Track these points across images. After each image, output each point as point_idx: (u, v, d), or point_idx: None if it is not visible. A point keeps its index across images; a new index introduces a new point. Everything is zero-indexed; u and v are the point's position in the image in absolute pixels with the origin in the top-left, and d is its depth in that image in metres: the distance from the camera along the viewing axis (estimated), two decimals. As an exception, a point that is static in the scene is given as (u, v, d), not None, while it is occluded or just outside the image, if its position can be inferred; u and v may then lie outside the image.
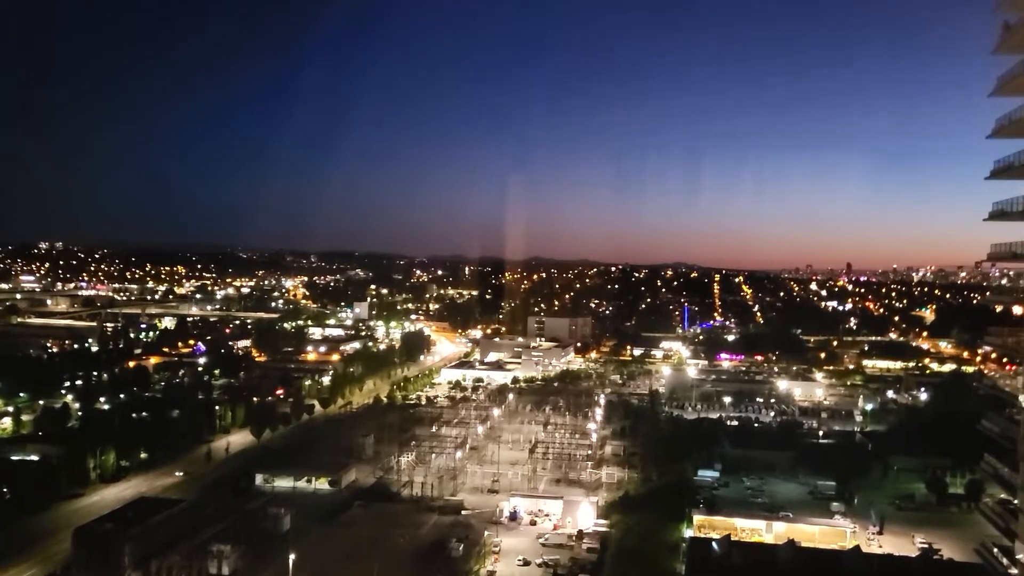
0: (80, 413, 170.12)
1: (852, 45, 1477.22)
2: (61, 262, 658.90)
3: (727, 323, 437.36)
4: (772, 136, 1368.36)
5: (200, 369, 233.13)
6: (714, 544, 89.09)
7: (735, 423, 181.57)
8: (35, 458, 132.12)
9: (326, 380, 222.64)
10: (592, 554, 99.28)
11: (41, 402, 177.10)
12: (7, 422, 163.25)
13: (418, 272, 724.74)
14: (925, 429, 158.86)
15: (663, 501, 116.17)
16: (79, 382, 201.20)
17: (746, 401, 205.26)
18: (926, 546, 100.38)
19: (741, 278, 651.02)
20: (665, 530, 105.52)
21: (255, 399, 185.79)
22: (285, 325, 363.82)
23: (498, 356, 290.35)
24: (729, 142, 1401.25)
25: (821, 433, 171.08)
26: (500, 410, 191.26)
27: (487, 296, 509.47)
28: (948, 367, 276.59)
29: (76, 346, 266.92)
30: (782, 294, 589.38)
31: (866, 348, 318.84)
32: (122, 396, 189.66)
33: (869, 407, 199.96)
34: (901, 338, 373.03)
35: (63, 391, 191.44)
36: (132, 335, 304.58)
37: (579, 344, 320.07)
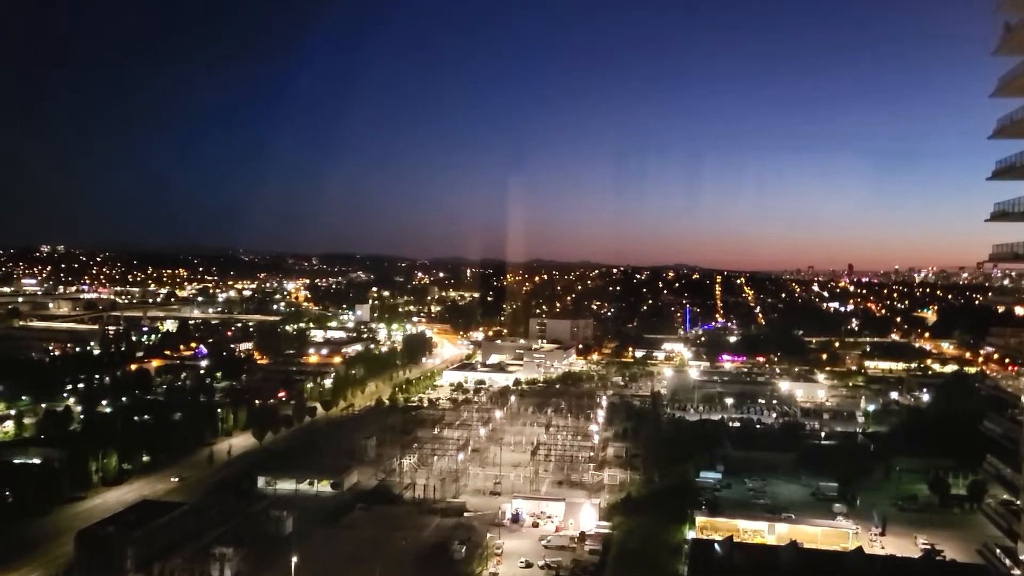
0: (82, 416, 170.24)
1: (853, 46, 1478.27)
2: (63, 265, 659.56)
3: (729, 324, 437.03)
4: (773, 137, 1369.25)
5: (202, 372, 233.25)
6: (716, 545, 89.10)
7: (737, 424, 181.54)
8: (37, 461, 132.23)
9: (328, 382, 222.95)
10: (594, 556, 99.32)
11: (43, 405, 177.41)
12: (9, 425, 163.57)
13: (420, 274, 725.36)
14: (927, 430, 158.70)
15: (665, 503, 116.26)
16: (81, 385, 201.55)
17: (748, 402, 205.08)
18: (928, 547, 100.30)
19: (743, 279, 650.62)
20: (667, 532, 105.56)
21: (257, 402, 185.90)
22: (287, 328, 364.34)
23: (500, 358, 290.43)
24: (730, 143, 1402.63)
25: (823, 434, 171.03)
26: (502, 412, 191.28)
27: (489, 298, 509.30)
28: (950, 368, 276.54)
29: (78, 349, 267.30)
30: (784, 295, 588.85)
31: (868, 349, 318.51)
32: (124, 399, 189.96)
33: (871, 408, 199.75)
34: (903, 339, 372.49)
35: (65, 394, 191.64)
36: (134, 338, 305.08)
37: (581, 346, 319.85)
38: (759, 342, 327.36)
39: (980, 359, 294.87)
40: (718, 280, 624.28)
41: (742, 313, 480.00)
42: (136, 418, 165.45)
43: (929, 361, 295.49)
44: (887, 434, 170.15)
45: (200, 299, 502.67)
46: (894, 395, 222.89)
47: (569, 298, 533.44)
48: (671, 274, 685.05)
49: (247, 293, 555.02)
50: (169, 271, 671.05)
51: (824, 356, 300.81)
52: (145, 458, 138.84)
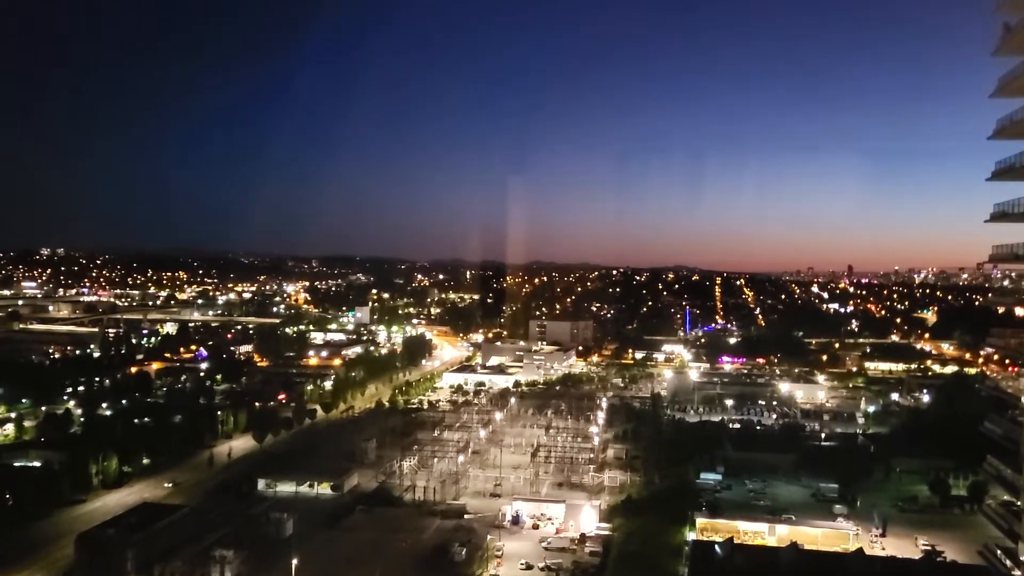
0: (82, 419, 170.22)
1: (853, 47, 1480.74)
2: (63, 268, 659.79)
3: (729, 326, 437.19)
4: (773, 138, 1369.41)
5: (202, 374, 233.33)
6: (717, 547, 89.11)
7: (737, 426, 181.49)
8: (37, 464, 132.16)
9: (328, 385, 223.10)
10: (595, 557, 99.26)
11: (43, 408, 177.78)
12: (9, 428, 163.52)
13: (419, 276, 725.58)
14: (927, 431, 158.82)
15: (665, 504, 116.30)
16: (81, 388, 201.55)
17: (748, 404, 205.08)
18: (929, 548, 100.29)
19: (742, 281, 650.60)
20: (668, 533, 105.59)
21: (257, 404, 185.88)
22: (287, 330, 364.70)
23: (500, 360, 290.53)
24: (729, 144, 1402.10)
25: (823, 435, 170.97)
26: (502, 414, 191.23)
27: (488, 300, 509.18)
28: (950, 369, 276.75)
29: (78, 352, 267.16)
30: (783, 296, 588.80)
31: (868, 350, 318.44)
32: (124, 402, 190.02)
33: (871, 409, 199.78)
34: (903, 340, 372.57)
35: (65, 397, 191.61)
36: (134, 341, 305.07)
37: (581, 347, 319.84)
38: (759, 343, 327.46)
39: (980, 360, 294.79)
40: (718, 281, 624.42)
41: (742, 314, 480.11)
42: (136, 421, 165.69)
43: (929, 362, 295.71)
44: (887, 435, 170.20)
45: (200, 302, 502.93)
46: (894, 396, 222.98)
47: (569, 300, 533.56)
48: (671, 275, 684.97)
49: (247, 295, 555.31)
50: (169, 274, 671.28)
51: (824, 357, 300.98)
52: (145, 461, 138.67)
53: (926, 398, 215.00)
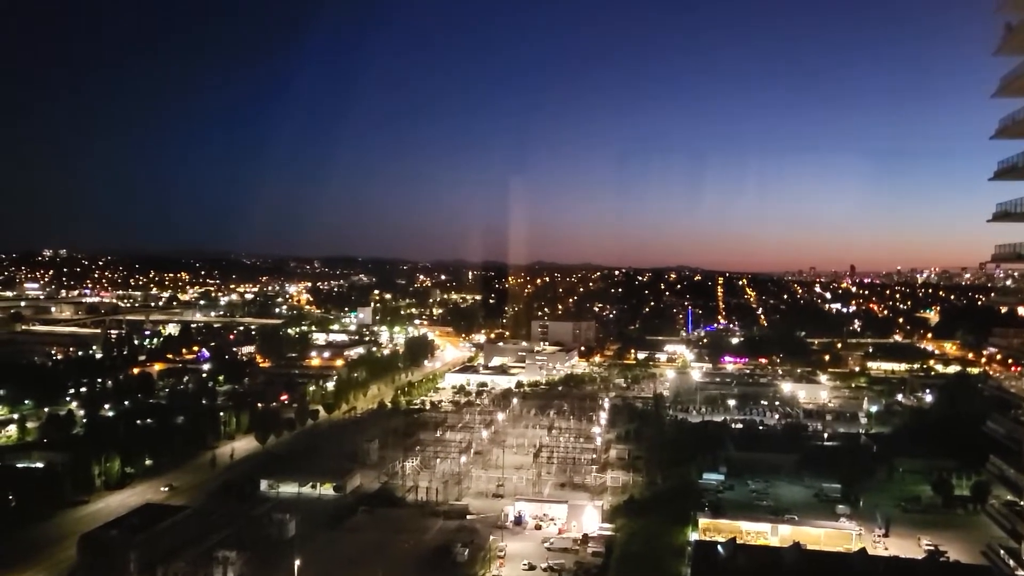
0: (85, 420, 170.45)
1: (854, 47, 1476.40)
2: (65, 269, 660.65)
3: (731, 326, 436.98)
4: (775, 138, 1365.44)
5: (204, 375, 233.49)
6: (719, 547, 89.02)
7: (740, 426, 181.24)
8: (40, 465, 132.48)
9: (330, 385, 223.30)
10: (597, 558, 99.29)
11: (46, 409, 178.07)
12: (12, 429, 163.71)
13: (421, 277, 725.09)
14: (930, 431, 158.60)
15: (668, 504, 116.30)
16: (84, 389, 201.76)
17: (750, 404, 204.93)
18: (932, 548, 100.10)
19: (744, 281, 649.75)
20: (670, 533, 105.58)
21: (259, 405, 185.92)
22: (289, 331, 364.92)
23: (502, 360, 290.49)
24: (731, 145, 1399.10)
25: (826, 435, 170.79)
26: (504, 414, 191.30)
27: (491, 300, 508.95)
28: (953, 369, 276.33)
29: (80, 353, 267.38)
30: (786, 296, 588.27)
31: (870, 350, 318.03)
32: (126, 403, 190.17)
33: (874, 409, 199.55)
34: (905, 340, 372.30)
35: (68, 398, 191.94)
36: (136, 342, 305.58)
37: (583, 348, 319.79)
38: (761, 343, 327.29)
39: (983, 360, 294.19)
40: (720, 281, 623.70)
41: (744, 314, 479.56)
42: (139, 422, 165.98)
43: (932, 362, 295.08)
44: (890, 435, 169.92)
45: (202, 303, 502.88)
46: (897, 396, 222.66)
47: (571, 300, 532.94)
48: (673, 275, 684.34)
49: (249, 296, 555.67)
50: (171, 275, 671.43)
51: (826, 357, 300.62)
52: (148, 462, 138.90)
53: (929, 398, 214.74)
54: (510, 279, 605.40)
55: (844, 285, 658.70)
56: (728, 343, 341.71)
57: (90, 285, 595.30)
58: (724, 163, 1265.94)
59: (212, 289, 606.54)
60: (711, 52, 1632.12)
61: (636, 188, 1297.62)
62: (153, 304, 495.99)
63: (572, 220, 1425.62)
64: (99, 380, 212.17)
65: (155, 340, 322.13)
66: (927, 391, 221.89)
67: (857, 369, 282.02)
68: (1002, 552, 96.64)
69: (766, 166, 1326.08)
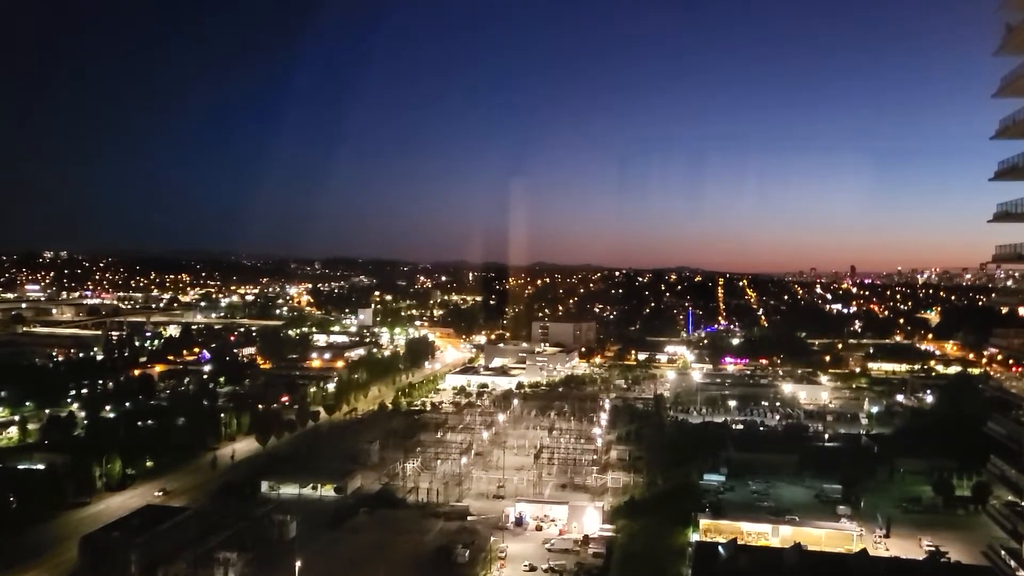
0: (86, 421, 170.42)
1: (855, 47, 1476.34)
2: (66, 271, 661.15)
3: (731, 327, 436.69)
4: (775, 139, 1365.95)
5: (205, 377, 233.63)
6: (720, 548, 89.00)
7: (740, 427, 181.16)
8: (41, 467, 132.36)
9: (331, 387, 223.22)
10: (598, 559, 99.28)
11: (47, 411, 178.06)
12: (13, 431, 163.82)
13: (422, 278, 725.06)
14: (931, 431, 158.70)
15: (669, 505, 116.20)
16: (84, 390, 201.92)
17: (751, 405, 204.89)
18: (933, 549, 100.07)
19: (745, 281, 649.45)
20: (671, 534, 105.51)
21: (260, 406, 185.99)
22: (289, 332, 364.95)
23: (502, 361, 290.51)
24: (732, 145, 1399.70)
25: (827, 436, 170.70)
26: (505, 415, 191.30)
27: (491, 301, 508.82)
28: (954, 369, 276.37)
29: (81, 355, 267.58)
30: (786, 297, 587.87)
31: (871, 351, 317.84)
32: (127, 404, 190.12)
33: (875, 410, 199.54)
34: (906, 340, 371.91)
35: (69, 400, 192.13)
36: (137, 343, 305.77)
37: (583, 349, 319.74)
38: (762, 344, 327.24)
39: (984, 360, 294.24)
40: (720, 282, 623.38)
41: (745, 315, 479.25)
42: (139, 423, 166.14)
43: (932, 362, 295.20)
44: (891, 436, 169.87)
45: (203, 304, 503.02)
46: (898, 397, 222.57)
47: (571, 301, 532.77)
48: (673, 276, 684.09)
49: (250, 298, 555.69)
50: (172, 276, 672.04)
51: (827, 358, 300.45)
52: (149, 463, 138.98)
53: (929, 399, 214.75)
54: (510, 280, 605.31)
55: (845, 286, 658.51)
56: (728, 344, 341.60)
57: (91, 286, 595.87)
58: (724, 164, 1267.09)
59: (213, 290, 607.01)
60: (711, 52, 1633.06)
61: (636, 189, 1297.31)
62: (154, 305, 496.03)
63: (572, 221, 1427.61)
64: (100, 381, 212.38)
65: (156, 341, 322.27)
66: (928, 392, 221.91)
67: (858, 370, 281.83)
68: (1003, 553, 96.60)
69: (766, 166, 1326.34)
